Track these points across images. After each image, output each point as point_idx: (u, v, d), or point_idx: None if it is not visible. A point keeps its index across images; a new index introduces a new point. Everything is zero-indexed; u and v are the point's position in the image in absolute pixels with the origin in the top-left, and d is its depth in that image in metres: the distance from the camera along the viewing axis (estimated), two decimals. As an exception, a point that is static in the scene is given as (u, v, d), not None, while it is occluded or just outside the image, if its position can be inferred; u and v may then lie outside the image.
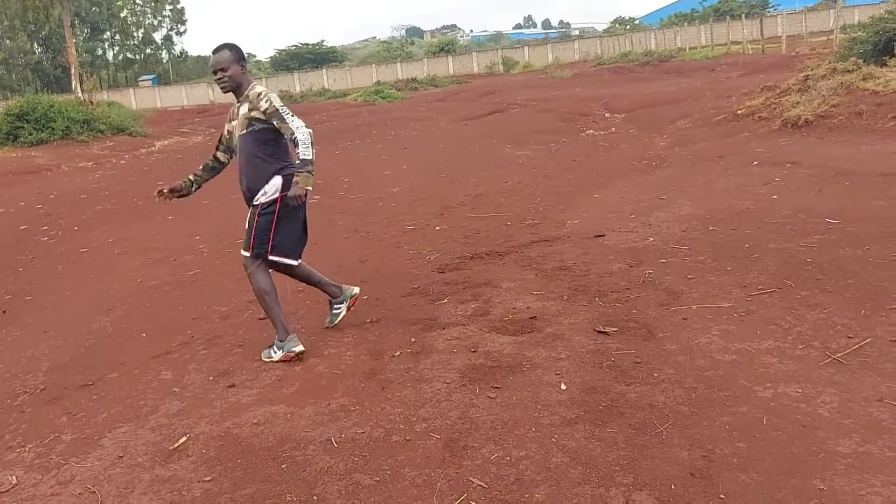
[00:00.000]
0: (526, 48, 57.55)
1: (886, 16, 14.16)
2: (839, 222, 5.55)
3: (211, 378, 3.96)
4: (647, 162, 9.94)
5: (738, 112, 12.08)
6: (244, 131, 4.11)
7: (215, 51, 4.12)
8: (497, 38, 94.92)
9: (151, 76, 66.78)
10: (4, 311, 5.98)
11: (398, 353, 4.02)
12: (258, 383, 3.82)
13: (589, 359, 3.66)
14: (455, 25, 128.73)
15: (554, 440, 2.92)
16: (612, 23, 76.78)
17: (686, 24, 52.32)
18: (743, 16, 44.54)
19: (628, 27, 64.68)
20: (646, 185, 8.25)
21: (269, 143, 4.11)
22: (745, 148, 9.66)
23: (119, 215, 9.85)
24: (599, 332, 3.99)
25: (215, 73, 4.09)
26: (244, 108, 4.09)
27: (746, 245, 5.31)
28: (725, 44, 39.67)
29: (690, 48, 41.91)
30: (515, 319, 4.34)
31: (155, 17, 75.22)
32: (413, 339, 4.19)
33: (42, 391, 4.19)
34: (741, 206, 6.51)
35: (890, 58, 12.31)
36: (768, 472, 2.59)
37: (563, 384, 3.40)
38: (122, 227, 9.05)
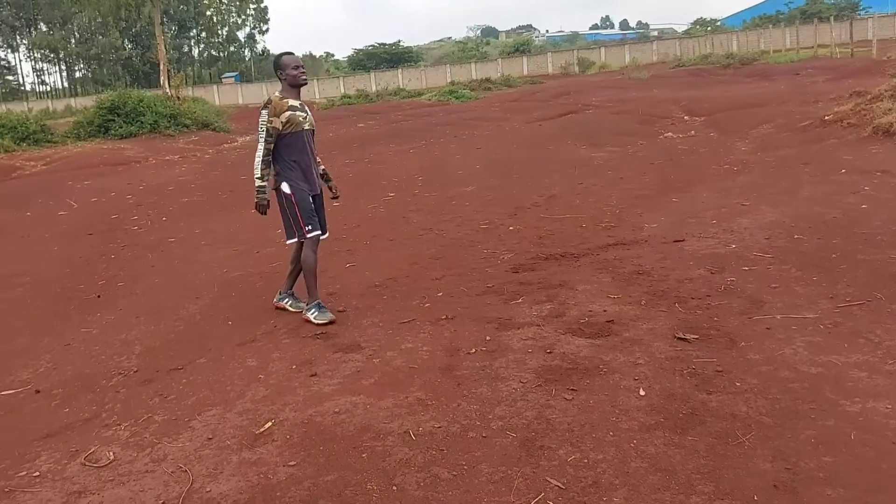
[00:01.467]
0: (602, 49, 56.80)
1: None
2: (935, 235, 5.32)
3: (293, 367, 4.09)
4: (729, 167, 9.70)
5: (826, 118, 11.65)
6: (313, 128, 5.03)
7: (292, 53, 4.95)
8: (573, 38, 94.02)
9: (234, 73, 68.91)
10: (99, 296, 6.30)
11: (473, 350, 4.07)
12: (339, 373, 3.93)
13: (668, 365, 3.63)
14: (531, 26, 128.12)
15: (632, 445, 2.92)
16: (692, 24, 74.96)
17: (770, 26, 50.59)
18: (831, 18, 42.74)
19: (709, 28, 62.99)
20: (727, 190, 8.07)
21: None
22: (832, 155, 9.32)
23: (204, 207, 10.24)
24: (679, 338, 3.95)
25: (298, 67, 4.88)
26: (310, 113, 4.99)
27: (834, 255, 5.15)
28: (812, 47, 38.23)
29: (774, 51, 40.46)
30: (592, 322, 4.33)
31: (239, 16, 77.56)
32: (488, 338, 4.24)
33: (135, 373, 4.41)
34: (828, 214, 6.30)
35: None
36: (856, 488, 2.53)
37: (641, 390, 3.38)
38: (207, 218, 9.41)
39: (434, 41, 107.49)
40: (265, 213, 4.92)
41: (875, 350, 3.61)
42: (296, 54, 4.98)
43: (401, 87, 46.37)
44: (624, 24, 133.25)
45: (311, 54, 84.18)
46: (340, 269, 6.33)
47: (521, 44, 67.36)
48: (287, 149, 4.83)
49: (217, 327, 5.10)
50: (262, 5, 77.25)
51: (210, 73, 75.79)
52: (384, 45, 67.14)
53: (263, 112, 4.79)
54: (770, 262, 5.18)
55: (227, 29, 79.07)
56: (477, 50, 69.43)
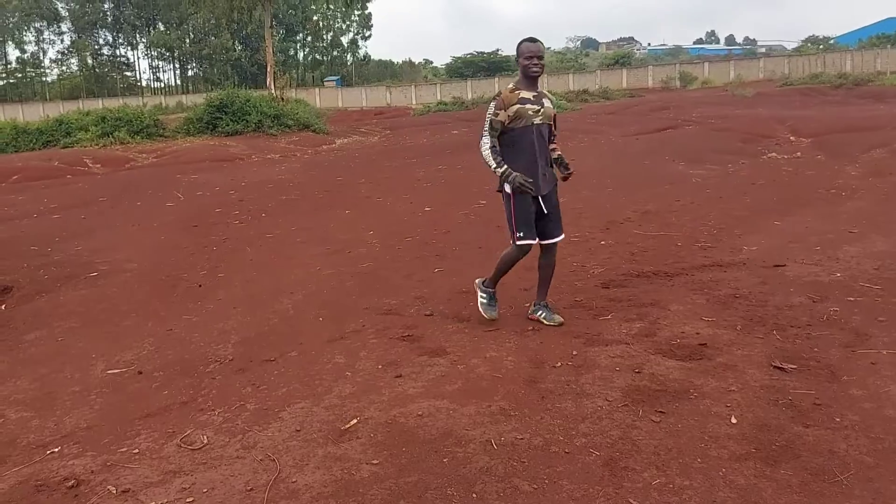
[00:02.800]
0: (706, 64, 55.22)
1: None
2: None
3: (380, 366, 4.17)
4: (836, 191, 9.25)
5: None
6: (547, 122, 4.67)
7: (533, 40, 4.58)
8: (675, 52, 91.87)
9: (336, 77, 70.86)
10: (200, 286, 6.60)
11: (559, 364, 4.04)
12: (423, 377, 3.97)
13: (763, 394, 3.50)
14: (632, 38, 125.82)
15: (721, 474, 2.83)
16: (803, 41, 72.02)
17: (889, 46, 47.98)
18: (960, 38, 40.17)
19: (821, 47, 60.29)
20: (834, 215, 7.70)
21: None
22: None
23: (301, 206, 10.56)
24: (776, 367, 3.79)
25: (532, 58, 4.52)
26: (548, 103, 4.68)
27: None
28: (937, 68, 36.05)
29: (892, 73, 38.39)
30: (683, 344, 4.22)
31: (344, 22, 79.74)
32: (575, 352, 4.19)
33: (230, 361, 4.60)
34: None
35: None
36: (966, 542, 2.37)
37: (733, 417, 3.27)
38: (303, 217, 9.70)
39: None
40: (534, 189, 4.55)
41: None
42: (538, 41, 4.58)
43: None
44: (730, 40, 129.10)
45: (410, 60, 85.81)
46: (429, 273, 6.41)
47: (622, 56, 66.37)
48: (511, 148, 4.58)
49: (308, 323, 5.25)
50: (367, 12, 79.18)
51: (313, 76, 78.23)
52: (482, 53, 67.60)
53: (491, 104, 4.60)
54: (878, 293, 4.91)
55: (331, 34, 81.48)
56: (575, 61, 68.86)
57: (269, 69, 30.94)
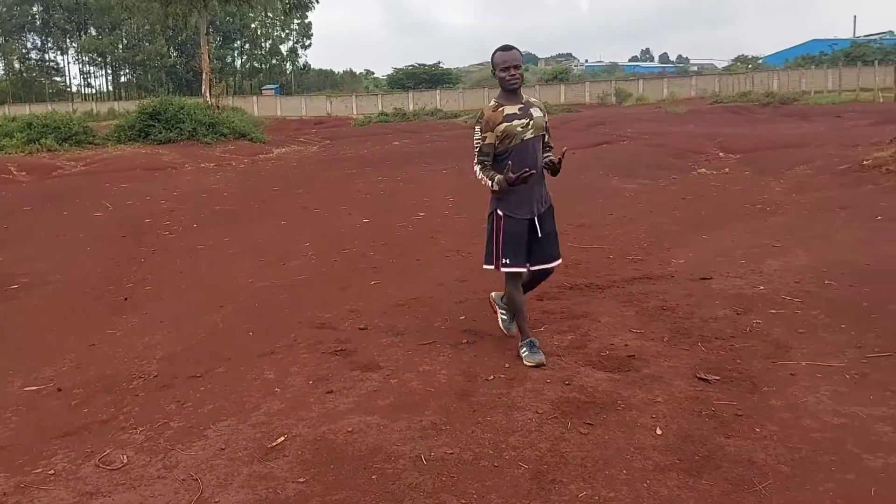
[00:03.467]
0: (641, 81, 56.72)
1: None
2: (971, 289, 5.18)
3: (311, 382, 4.10)
4: (762, 206, 9.59)
5: (864, 163, 11.47)
6: (539, 133, 4.27)
7: (508, 48, 4.19)
8: (612, 69, 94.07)
9: (275, 86, 70.03)
10: (126, 299, 6.40)
11: (491, 377, 4.05)
12: (355, 392, 3.92)
13: (687, 405, 3.57)
14: (570, 54, 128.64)
15: (646, 485, 2.87)
16: (733, 60, 74.66)
17: (813, 66, 50.19)
18: (876, 62, 42.35)
19: (750, 66, 62.61)
20: (758, 230, 7.97)
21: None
22: (869, 201, 9.16)
23: (235, 216, 10.37)
24: (700, 378, 3.89)
25: (508, 69, 4.13)
26: (538, 112, 4.24)
27: (864, 304, 5.04)
28: (854, 90, 37.77)
29: (816, 92, 40.10)
30: (612, 356, 4.29)
31: (283, 31, 78.98)
32: (507, 365, 4.21)
33: (154, 378, 4.46)
34: (861, 261, 6.18)
35: None
36: (875, 547, 2.45)
37: (658, 429, 3.33)
38: (237, 228, 9.52)
39: (474, 64, 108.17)
40: (519, 180, 4.03)
41: (902, 404, 3.51)
42: (513, 48, 4.19)
43: (438, 108, 46.72)
44: (664, 58, 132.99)
45: (351, 71, 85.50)
46: (365, 286, 6.36)
47: (560, 72, 67.62)
48: (506, 168, 4.09)
49: (238, 337, 5.14)
50: (307, 21, 78.63)
51: (251, 85, 77.19)
52: (424, 65, 67.78)
53: (476, 128, 4.24)
54: (798, 306, 5.09)
55: (270, 42, 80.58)
56: (515, 75, 69.58)
57: (204, 76, 30.35)
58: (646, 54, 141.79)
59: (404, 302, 5.71)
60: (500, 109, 4.19)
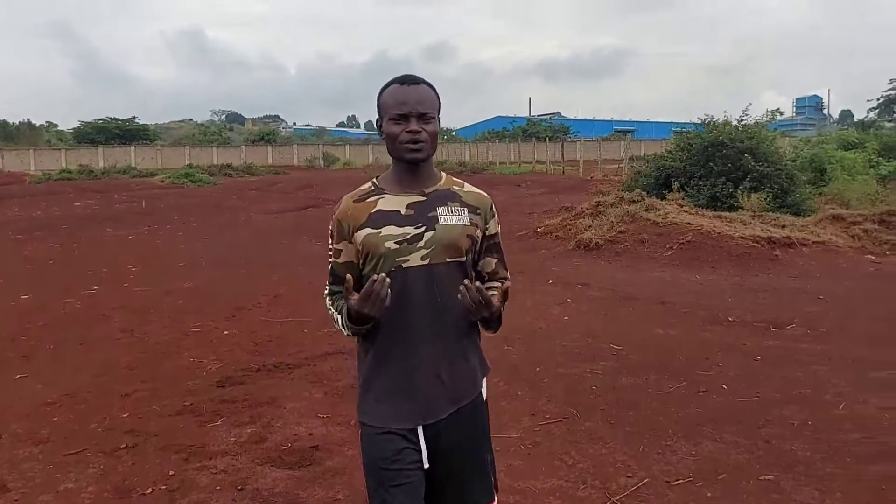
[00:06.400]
0: (348, 146, 58.58)
1: (666, 154, 15.85)
2: (622, 349, 5.77)
3: None
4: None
5: (538, 229, 12.74)
6: (447, 260, 2.10)
7: (411, 81, 2.09)
8: (320, 133, 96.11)
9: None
10: None
11: (150, 490, 3.47)
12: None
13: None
14: (278, 116, 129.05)
15: None
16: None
17: (497, 140, 56.01)
18: (547, 139, 48.53)
19: (445, 137, 68.07)
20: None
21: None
22: (543, 265, 10.08)
23: None
24: (382, 467, 3.70)
25: (407, 119, 2.05)
26: (455, 218, 2.13)
27: (538, 368, 5.33)
28: (531, 162, 42.68)
29: (501, 163, 44.57)
30: (294, 448, 3.95)
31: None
32: (172, 473, 3.66)
33: None
34: (535, 325, 6.62)
35: (668, 192, 13.65)
36: None
37: (334, 534, 3.05)
38: None
39: (175, 121, 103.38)
40: (371, 302, 1.94)
41: (569, 473, 3.65)
42: (419, 82, 2.09)
43: (132, 165, 43.54)
44: (369, 125, 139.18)
45: (29, 122, 76.04)
46: (7, 381, 5.29)
47: (267, 133, 67.20)
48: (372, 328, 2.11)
49: None
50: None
51: None
52: (116, 119, 62.66)
53: (330, 226, 2.21)
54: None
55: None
56: (220, 135, 67.56)
57: None
58: (352, 120, 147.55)
59: (55, 399, 4.82)
60: (370, 200, 2.13)
